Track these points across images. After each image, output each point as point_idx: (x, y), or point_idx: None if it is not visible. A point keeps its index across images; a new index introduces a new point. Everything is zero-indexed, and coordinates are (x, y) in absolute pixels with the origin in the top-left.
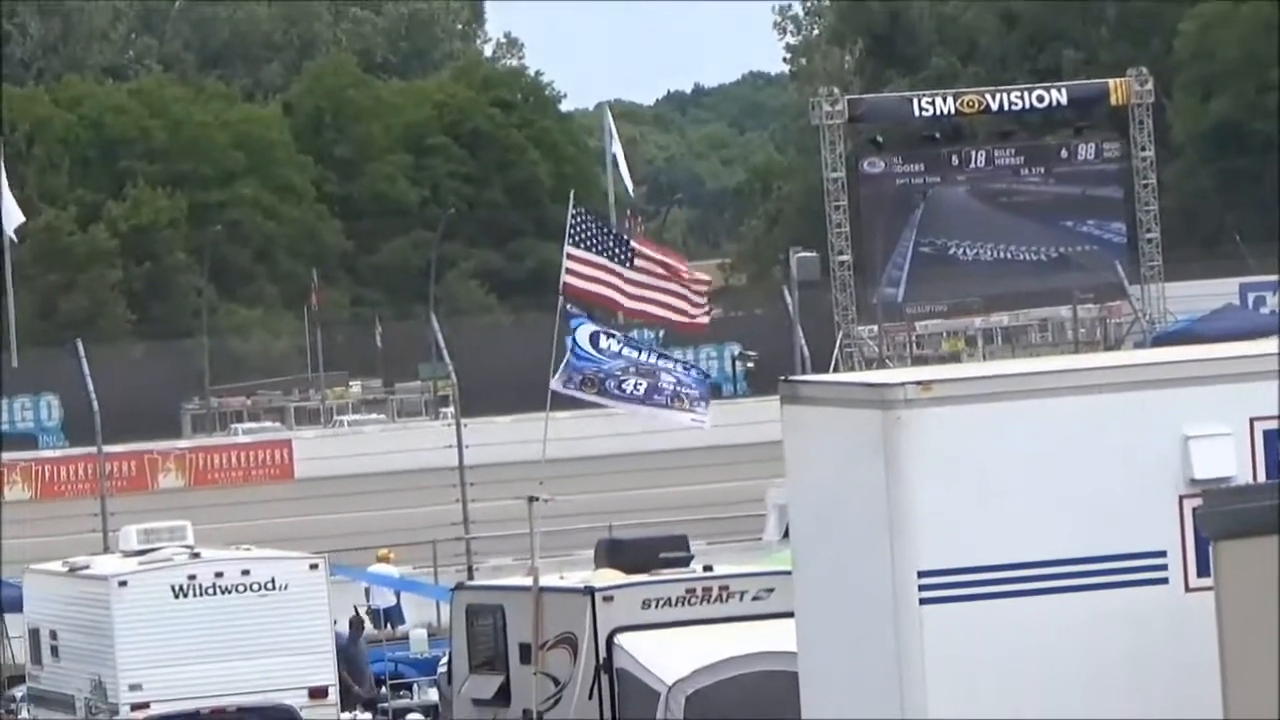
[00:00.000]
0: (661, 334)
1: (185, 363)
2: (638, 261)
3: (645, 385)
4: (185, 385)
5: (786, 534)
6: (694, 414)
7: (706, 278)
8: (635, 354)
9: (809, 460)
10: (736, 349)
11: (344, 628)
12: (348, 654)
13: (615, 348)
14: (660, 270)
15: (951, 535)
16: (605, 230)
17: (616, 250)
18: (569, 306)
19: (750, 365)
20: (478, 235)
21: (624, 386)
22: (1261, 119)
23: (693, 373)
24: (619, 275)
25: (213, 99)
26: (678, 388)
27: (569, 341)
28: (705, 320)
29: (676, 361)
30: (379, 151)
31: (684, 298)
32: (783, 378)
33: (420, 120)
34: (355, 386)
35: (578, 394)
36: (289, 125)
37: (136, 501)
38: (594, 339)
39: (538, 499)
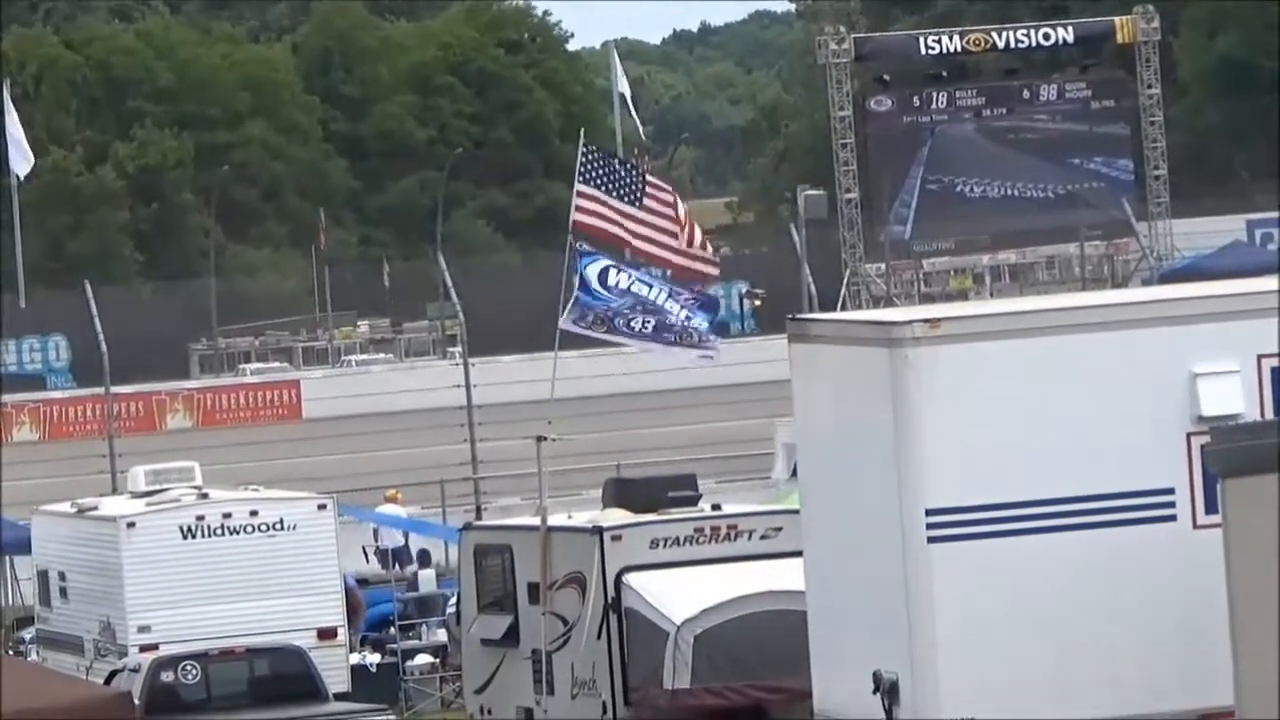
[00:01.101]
0: (669, 273)
1: (193, 303)
2: (647, 201)
3: (654, 322)
4: (193, 326)
5: (795, 473)
6: (702, 350)
7: (703, 243)
8: (645, 290)
9: (817, 399)
10: (744, 287)
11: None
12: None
13: (624, 284)
14: (669, 213)
15: (959, 473)
16: (616, 167)
17: (627, 187)
18: (579, 244)
19: (758, 303)
20: (485, 175)
21: (632, 324)
22: (1268, 56)
23: (700, 310)
24: (628, 215)
25: (219, 40)
26: (686, 323)
27: (578, 279)
28: (715, 271)
29: (687, 296)
30: (386, 91)
31: (690, 253)
32: (790, 316)
33: (427, 60)
34: (363, 326)
35: (587, 332)
36: (296, 65)
37: (144, 442)
38: (603, 276)
39: (546, 438)
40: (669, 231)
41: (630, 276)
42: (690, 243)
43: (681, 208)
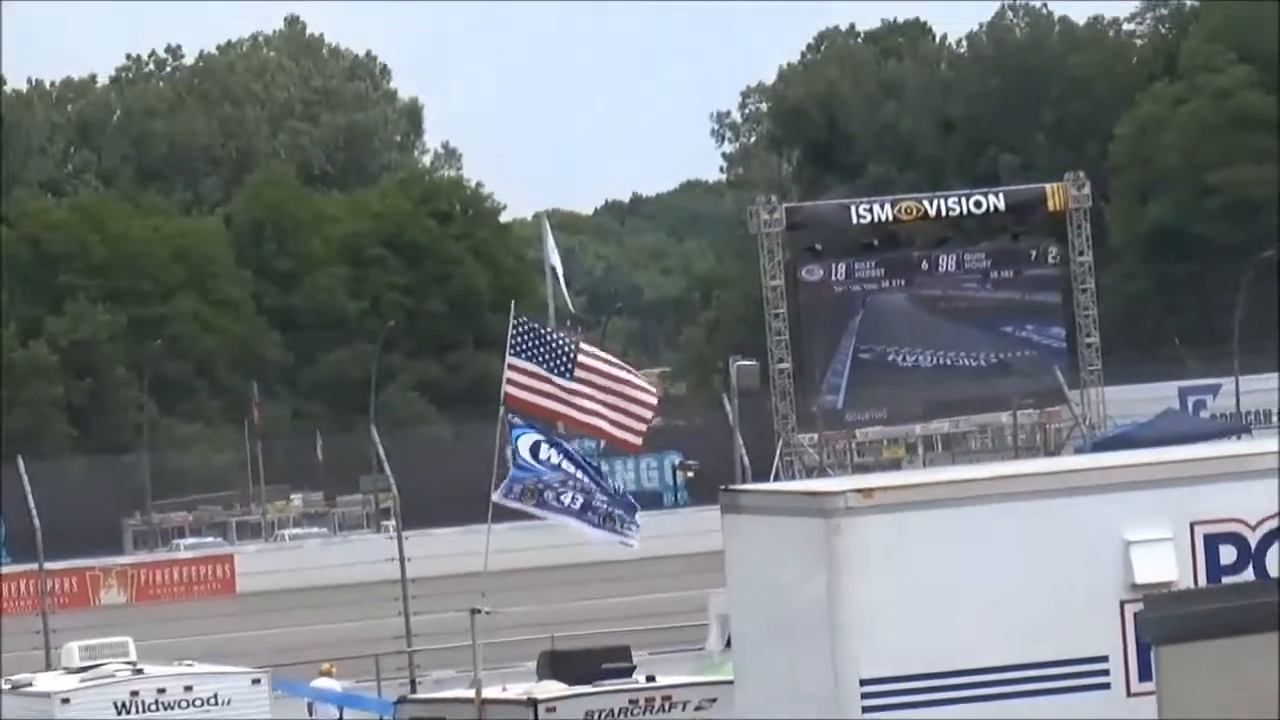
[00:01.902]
0: (602, 444)
1: (127, 478)
2: (578, 372)
3: (581, 500)
4: (127, 501)
5: (729, 644)
6: (624, 536)
7: (653, 395)
8: (573, 468)
9: (751, 569)
10: (677, 458)
11: None
12: None
13: (555, 459)
14: (602, 381)
15: (894, 643)
16: (546, 339)
17: (557, 360)
18: (511, 417)
19: (691, 474)
20: (417, 347)
21: (561, 498)
22: (1199, 222)
23: (624, 496)
24: (559, 386)
25: (151, 213)
26: (609, 507)
27: (510, 452)
28: (638, 441)
29: (606, 482)
30: (318, 264)
31: (626, 412)
32: (723, 487)
33: (359, 232)
34: (296, 500)
35: (518, 505)
36: (228, 238)
37: (79, 618)
38: (534, 449)
39: (480, 611)
40: (603, 401)
41: (560, 452)
42: (632, 397)
43: (624, 369)
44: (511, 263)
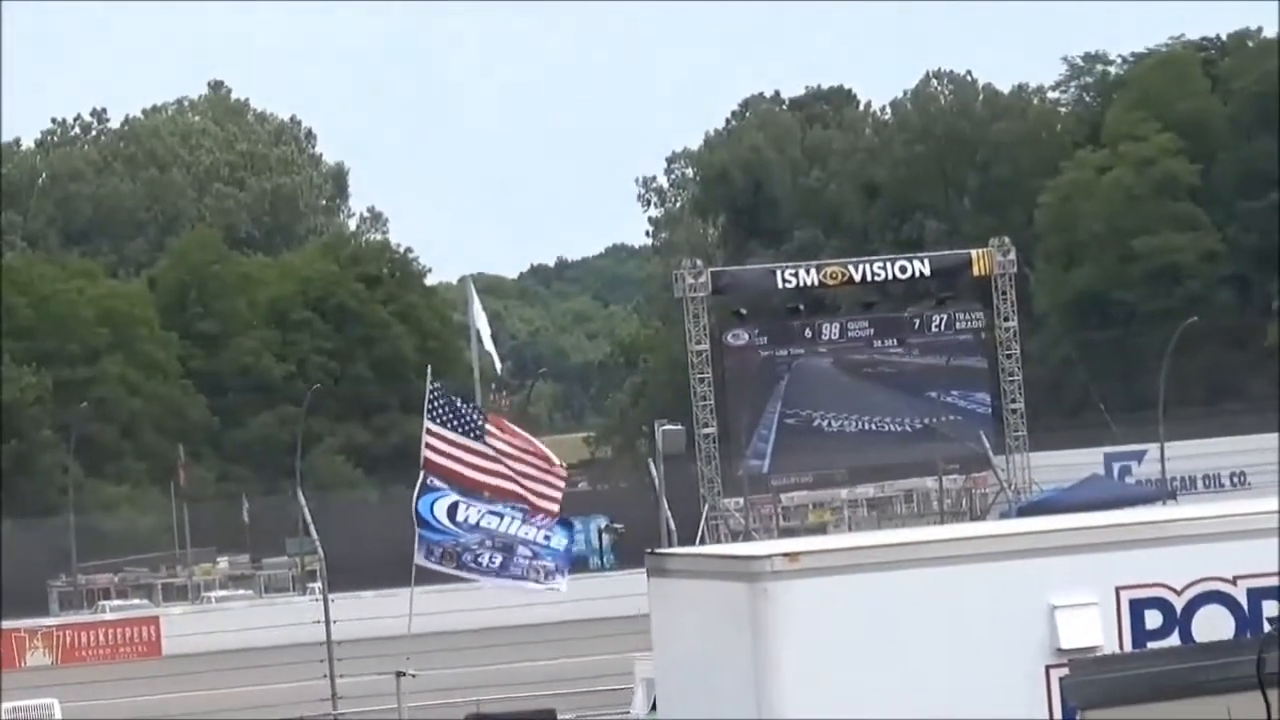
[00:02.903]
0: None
1: (52, 540)
2: (489, 440)
3: (500, 559)
4: (52, 563)
5: (654, 707)
6: (549, 584)
7: (561, 469)
8: (496, 522)
9: (676, 632)
10: (603, 521)
11: None
12: None
13: (474, 519)
14: (514, 451)
15: (819, 706)
16: (460, 407)
17: (472, 425)
18: (430, 480)
19: (616, 538)
20: (343, 410)
21: (479, 560)
22: (1123, 288)
23: (550, 542)
24: (476, 452)
25: (77, 275)
26: (533, 561)
27: (419, 516)
28: (555, 509)
29: (543, 517)
30: (244, 326)
31: (542, 481)
32: (649, 550)
33: (285, 295)
34: (223, 563)
35: (438, 567)
36: (154, 301)
37: (5, 679)
38: (451, 511)
39: (405, 674)
40: (516, 469)
41: (480, 511)
42: (545, 470)
43: (533, 447)
44: (437, 326)
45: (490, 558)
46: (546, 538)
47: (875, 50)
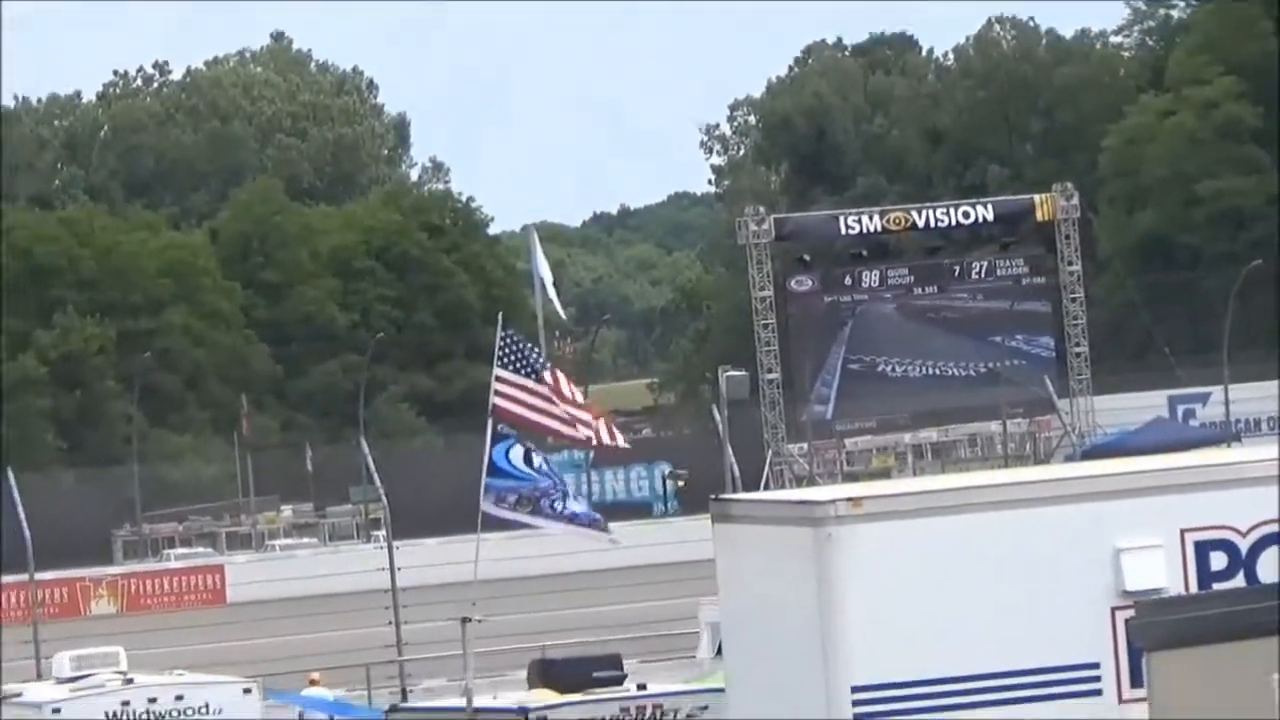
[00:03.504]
0: (591, 455)
1: (116, 490)
2: (546, 379)
3: (569, 507)
4: (117, 512)
5: (720, 652)
6: (610, 535)
7: (592, 415)
8: (556, 477)
9: (741, 578)
10: (667, 468)
11: None
12: None
13: (546, 468)
14: (566, 392)
15: (884, 650)
16: (530, 352)
17: (539, 373)
18: (499, 428)
19: (681, 484)
20: (407, 359)
21: (555, 505)
22: (1187, 232)
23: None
24: (545, 398)
25: (139, 227)
26: (591, 512)
27: (492, 464)
28: (627, 445)
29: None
30: (307, 276)
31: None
32: (713, 496)
33: (348, 245)
34: (286, 511)
35: (510, 515)
36: (216, 252)
37: (69, 628)
38: (527, 457)
39: (471, 620)
40: (582, 415)
41: (547, 461)
42: (599, 422)
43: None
44: (500, 275)
45: (565, 505)
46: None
47: None
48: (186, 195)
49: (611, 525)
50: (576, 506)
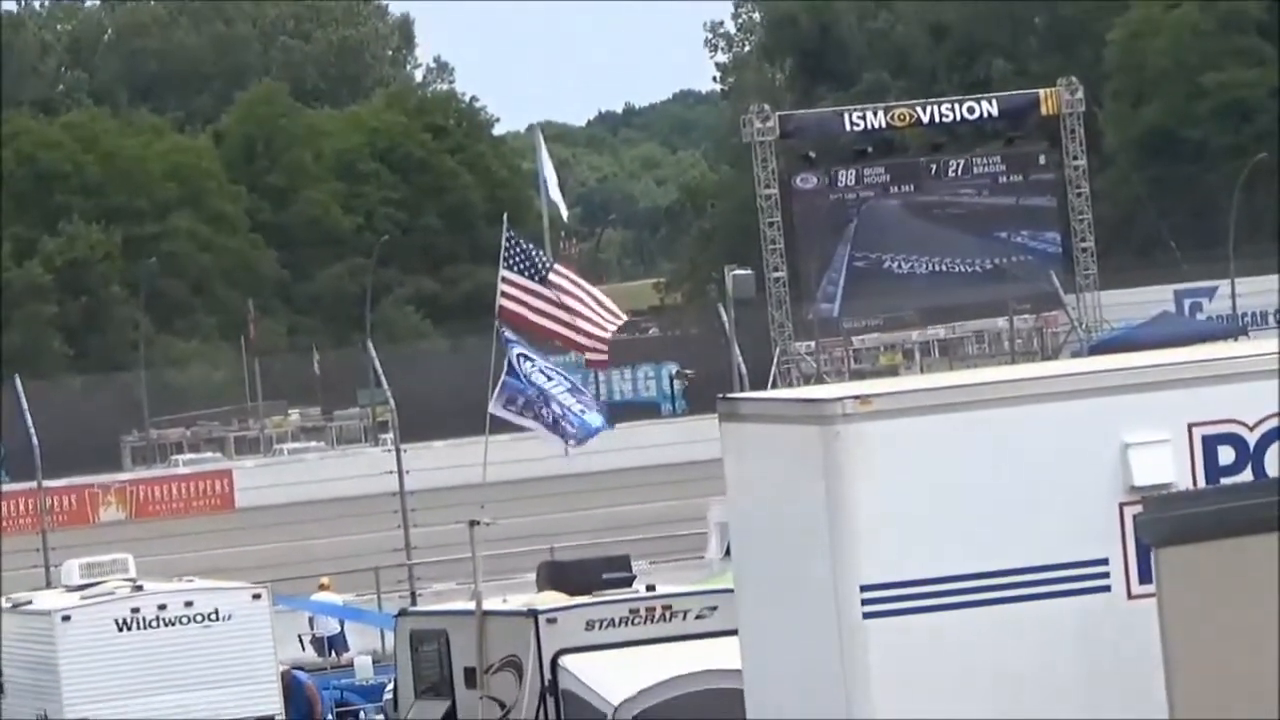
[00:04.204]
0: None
1: (124, 395)
2: (554, 277)
3: (560, 413)
4: (124, 418)
5: (729, 552)
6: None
7: (615, 314)
8: (545, 381)
9: (749, 477)
10: (674, 368)
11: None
12: None
13: (533, 374)
14: (573, 294)
15: (893, 548)
16: (534, 254)
17: (540, 271)
18: (505, 330)
19: (688, 383)
20: (412, 261)
21: (541, 413)
22: (1192, 125)
23: (584, 416)
24: (543, 297)
25: (144, 131)
26: (581, 418)
27: (506, 364)
28: (604, 359)
29: (588, 398)
30: (312, 179)
31: (596, 325)
32: (720, 395)
33: (352, 147)
34: (294, 415)
35: (516, 418)
36: (221, 155)
37: (78, 535)
38: (519, 362)
39: (479, 523)
40: (584, 316)
41: (536, 366)
42: (602, 315)
43: (590, 293)
44: (506, 175)
45: (561, 412)
46: (582, 411)
47: None
48: (191, 99)
49: (619, 426)
50: (577, 407)
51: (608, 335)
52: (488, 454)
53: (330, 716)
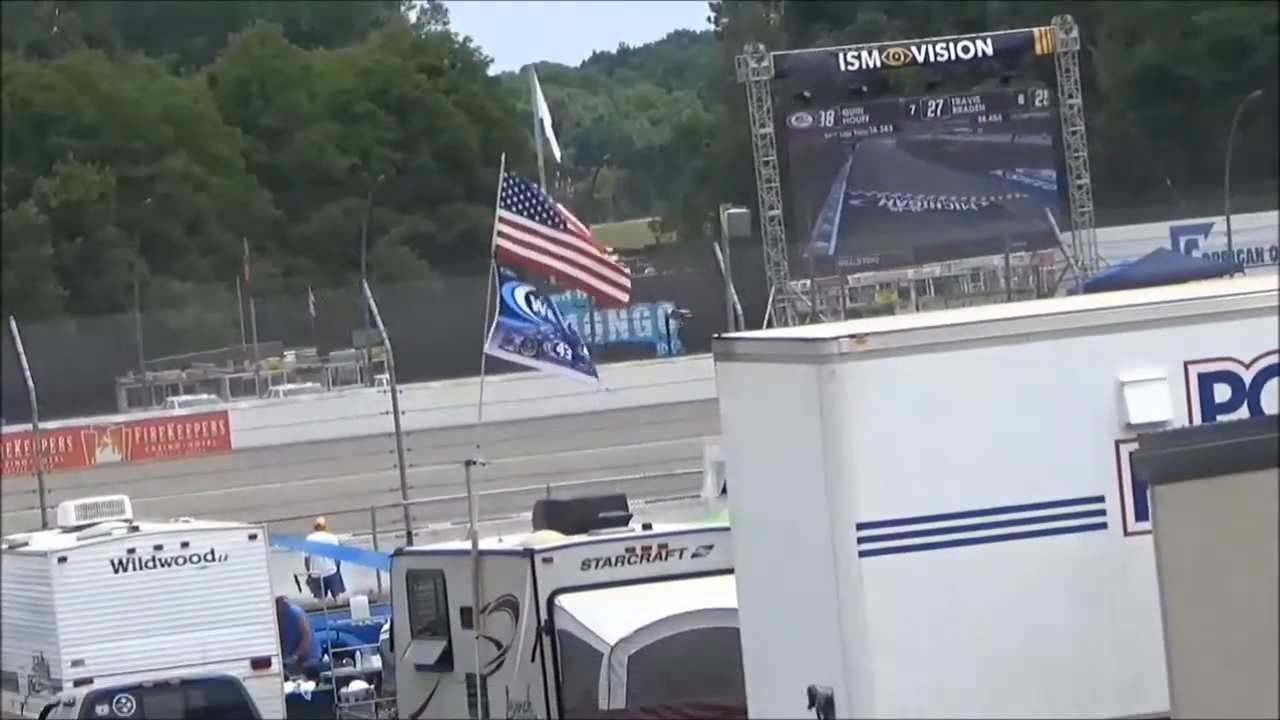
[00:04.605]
0: (593, 298)
1: (119, 337)
2: (568, 226)
3: (571, 352)
4: (120, 360)
5: (725, 491)
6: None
7: (615, 259)
8: (557, 320)
9: (745, 416)
10: (669, 307)
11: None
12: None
13: (544, 310)
14: (585, 240)
15: (889, 487)
16: (535, 194)
17: (547, 212)
18: (501, 270)
19: (683, 323)
20: (408, 201)
21: (557, 350)
22: (1187, 63)
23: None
24: (549, 239)
25: (139, 74)
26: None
27: (503, 303)
28: (626, 298)
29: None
30: (307, 120)
31: (611, 266)
32: (716, 335)
33: (347, 88)
34: (290, 356)
35: (514, 357)
36: (216, 97)
37: (74, 477)
38: (528, 299)
39: (475, 463)
40: (589, 255)
41: (547, 303)
42: (605, 263)
43: (589, 238)
44: (501, 116)
45: (565, 348)
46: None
47: None
48: (185, 41)
49: (615, 366)
50: (579, 349)
51: (626, 273)
52: (483, 394)
53: (326, 656)
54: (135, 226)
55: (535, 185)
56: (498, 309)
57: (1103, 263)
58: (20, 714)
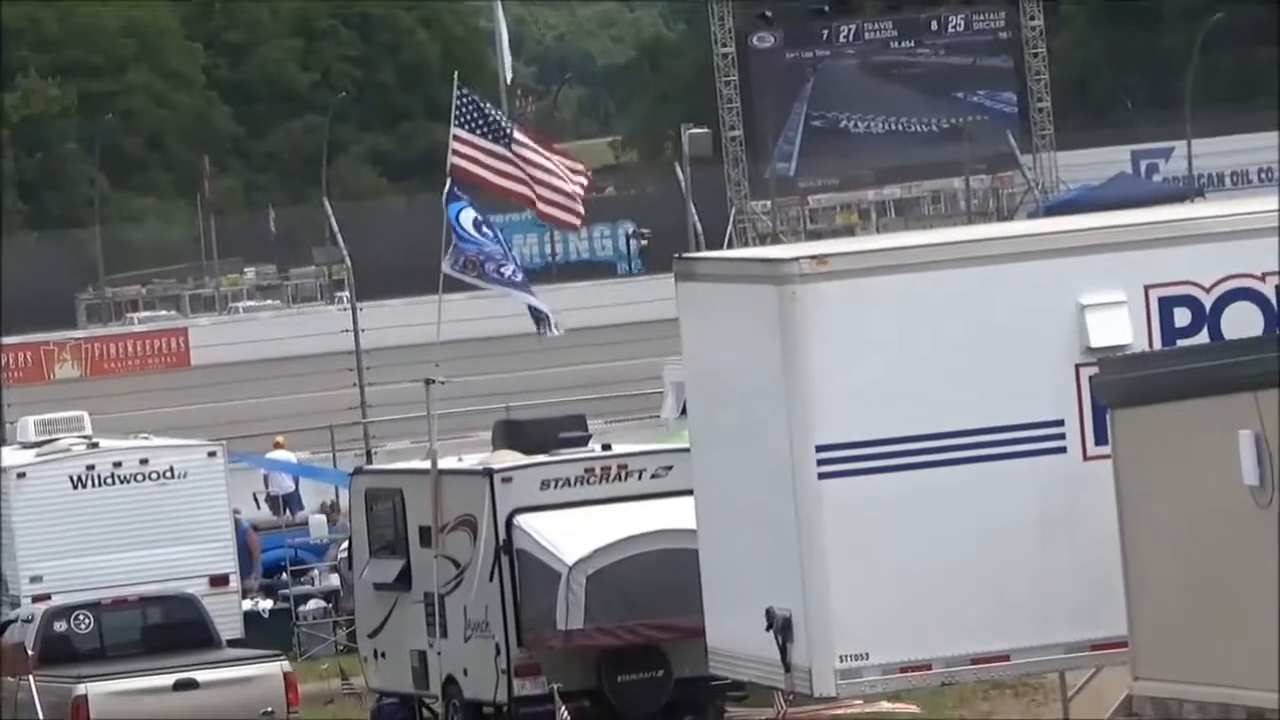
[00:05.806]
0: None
1: (79, 253)
2: (516, 147)
3: (521, 275)
4: (79, 275)
5: (684, 412)
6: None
7: (583, 173)
8: (503, 243)
9: (705, 337)
10: (630, 227)
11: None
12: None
13: (491, 233)
14: (540, 158)
15: (849, 409)
16: (488, 113)
17: (500, 131)
18: (454, 189)
19: (644, 243)
20: (368, 118)
21: (502, 271)
22: None
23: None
24: (502, 158)
25: None
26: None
27: (452, 222)
28: (578, 222)
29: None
30: (268, 36)
31: (561, 198)
32: (677, 255)
33: (309, 4)
34: (250, 273)
35: (462, 276)
36: (177, 11)
37: (33, 393)
38: (476, 223)
39: (434, 381)
40: (544, 170)
41: (491, 226)
42: (559, 189)
43: (555, 153)
44: (462, 33)
45: (513, 270)
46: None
47: None
48: None
49: (576, 285)
50: (518, 278)
51: (580, 194)
52: (442, 313)
53: (285, 574)
54: (96, 141)
55: (489, 104)
56: (452, 230)
57: (1063, 186)
58: None
